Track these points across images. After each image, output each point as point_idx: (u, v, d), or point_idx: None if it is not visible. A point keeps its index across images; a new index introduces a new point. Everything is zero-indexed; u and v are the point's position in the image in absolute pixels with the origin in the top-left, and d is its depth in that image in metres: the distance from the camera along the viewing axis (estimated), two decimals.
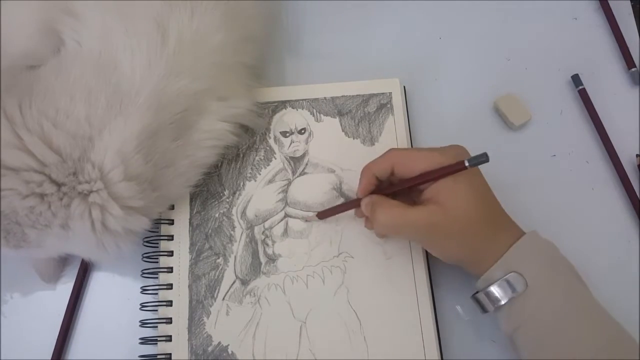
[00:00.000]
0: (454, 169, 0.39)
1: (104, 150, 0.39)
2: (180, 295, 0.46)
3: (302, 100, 0.52)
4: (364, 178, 0.44)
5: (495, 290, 0.40)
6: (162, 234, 0.48)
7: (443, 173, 0.40)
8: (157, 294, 0.46)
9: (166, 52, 0.42)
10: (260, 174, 0.50)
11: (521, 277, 0.39)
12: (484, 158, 0.38)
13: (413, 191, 0.43)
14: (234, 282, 0.46)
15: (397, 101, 0.52)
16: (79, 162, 0.39)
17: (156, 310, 0.46)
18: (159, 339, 0.44)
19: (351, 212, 0.47)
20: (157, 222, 0.47)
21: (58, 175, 0.39)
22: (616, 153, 0.51)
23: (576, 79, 0.54)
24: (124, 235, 0.41)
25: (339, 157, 0.50)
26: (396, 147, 0.48)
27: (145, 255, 0.47)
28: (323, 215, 0.47)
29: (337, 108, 0.52)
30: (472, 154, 0.51)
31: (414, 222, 0.40)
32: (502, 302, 0.39)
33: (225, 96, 0.46)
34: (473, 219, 0.40)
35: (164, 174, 0.43)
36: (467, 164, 0.38)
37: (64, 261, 0.48)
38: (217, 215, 0.48)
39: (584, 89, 0.53)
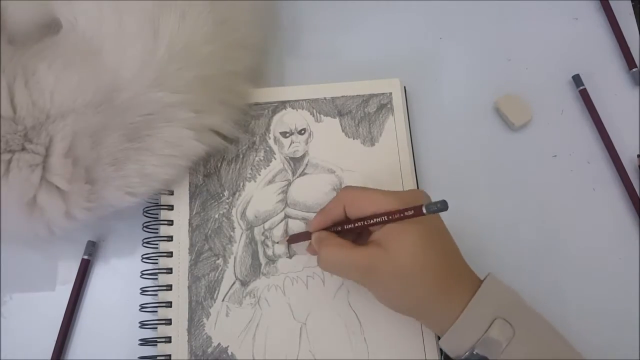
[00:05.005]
0: (409, 214, 0.36)
1: (58, 124, 0.39)
2: (179, 297, 0.46)
3: (302, 100, 0.52)
4: (317, 217, 0.42)
5: (494, 334, 0.36)
6: (161, 235, 0.47)
7: (396, 218, 0.37)
8: (156, 295, 0.46)
9: (156, 60, 0.41)
10: (260, 175, 0.50)
11: (506, 323, 0.36)
12: (443, 206, 0.34)
13: (366, 232, 0.41)
14: (233, 283, 0.46)
15: (398, 101, 0.51)
16: (32, 130, 0.39)
17: (156, 312, 0.46)
18: (158, 340, 0.44)
19: None
20: (157, 223, 0.47)
21: (6, 130, 0.38)
22: (617, 153, 0.51)
23: (577, 79, 0.53)
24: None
25: (339, 158, 0.50)
26: (352, 185, 0.43)
27: (144, 256, 0.47)
28: (291, 240, 0.46)
29: (337, 108, 0.52)
30: (472, 155, 0.52)
31: (353, 262, 0.38)
32: (504, 346, 0.36)
33: (200, 110, 0.44)
34: (418, 267, 0.36)
35: (104, 170, 0.42)
36: (424, 210, 0.35)
37: None
38: (216, 216, 0.48)
39: (584, 89, 0.53)
